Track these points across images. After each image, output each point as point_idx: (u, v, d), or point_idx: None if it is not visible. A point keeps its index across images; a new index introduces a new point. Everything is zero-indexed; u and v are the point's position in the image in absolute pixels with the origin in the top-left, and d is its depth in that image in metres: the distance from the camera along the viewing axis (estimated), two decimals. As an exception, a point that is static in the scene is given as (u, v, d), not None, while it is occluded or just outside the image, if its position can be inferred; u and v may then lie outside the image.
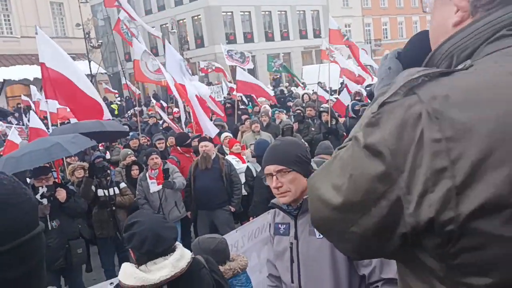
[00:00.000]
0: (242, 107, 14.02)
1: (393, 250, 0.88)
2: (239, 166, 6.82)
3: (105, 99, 25.61)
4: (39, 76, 7.61)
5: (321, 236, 2.12)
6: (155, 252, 2.24)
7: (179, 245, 2.37)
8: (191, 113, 8.69)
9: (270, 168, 2.15)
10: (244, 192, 6.93)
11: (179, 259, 2.27)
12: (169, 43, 11.38)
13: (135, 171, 6.60)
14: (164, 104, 20.44)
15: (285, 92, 22.54)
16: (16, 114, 19.84)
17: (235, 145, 7.27)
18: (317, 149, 5.44)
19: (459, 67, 0.86)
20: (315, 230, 2.12)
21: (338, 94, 14.96)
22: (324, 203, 0.94)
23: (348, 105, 10.53)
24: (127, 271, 2.25)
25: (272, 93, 12.69)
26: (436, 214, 0.78)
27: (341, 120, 10.10)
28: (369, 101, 1.27)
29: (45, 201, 5.06)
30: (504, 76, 0.79)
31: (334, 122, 9.31)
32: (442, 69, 0.85)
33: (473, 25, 0.89)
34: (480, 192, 0.75)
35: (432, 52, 0.96)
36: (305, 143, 8.72)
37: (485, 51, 0.86)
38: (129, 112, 13.02)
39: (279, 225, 2.32)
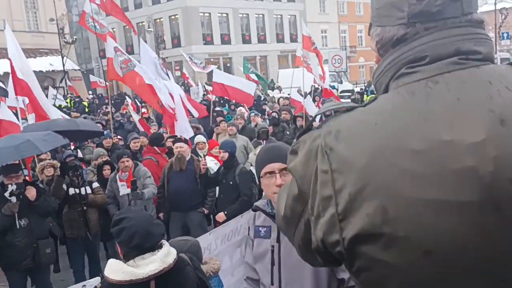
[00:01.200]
0: (218, 108, 14.01)
1: (327, 261, 0.97)
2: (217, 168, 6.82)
3: (77, 96, 25.19)
4: (9, 70, 7.47)
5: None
6: (143, 247, 2.29)
7: (165, 242, 2.42)
8: (165, 114, 8.60)
9: (274, 166, 2.15)
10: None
11: (167, 254, 2.33)
12: (145, 41, 11.29)
13: (106, 171, 6.50)
14: (139, 104, 20.20)
15: (261, 95, 22.63)
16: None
17: (215, 148, 7.28)
18: None
19: (364, 103, 0.96)
20: None
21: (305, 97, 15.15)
22: (277, 212, 1.09)
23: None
24: (114, 267, 2.28)
25: (252, 92, 12.60)
26: (323, 236, 0.88)
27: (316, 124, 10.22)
28: None
29: (14, 199, 4.94)
30: (383, 114, 0.86)
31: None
32: (350, 104, 0.94)
33: (383, 62, 0.95)
34: (358, 220, 0.83)
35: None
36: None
37: (391, 87, 0.92)
38: (102, 109, 12.86)
39: (260, 228, 2.34)
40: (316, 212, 0.89)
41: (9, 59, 7.28)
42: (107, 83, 13.26)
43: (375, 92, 1.01)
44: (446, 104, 0.82)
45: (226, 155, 5.97)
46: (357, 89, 25.05)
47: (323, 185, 0.87)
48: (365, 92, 22.09)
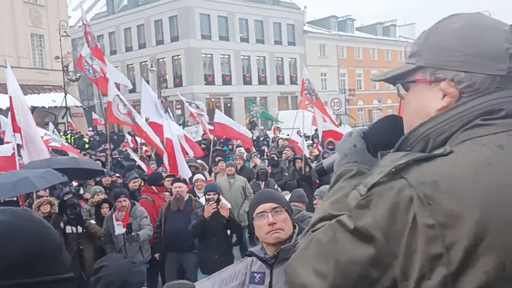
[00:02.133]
0: (217, 147, 14.07)
1: None
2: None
3: (76, 133, 25.30)
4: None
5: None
6: None
7: None
8: (166, 153, 8.65)
9: (265, 206, 2.25)
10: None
11: None
12: (148, 80, 11.55)
13: (105, 209, 6.49)
14: (139, 141, 20.25)
15: (260, 136, 22.77)
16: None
17: (208, 188, 7.24)
18: (291, 197, 5.52)
19: (439, 151, 0.89)
20: None
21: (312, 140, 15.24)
22: (302, 284, 0.92)
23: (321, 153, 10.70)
24: None
25: (250, 135, 12.79)
26: None
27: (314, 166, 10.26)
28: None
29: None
30: (482, 166, 0.83)
31: (307, 169, 9.43)
32: (425, 154, 0.89)
33: (451, 111, 0.93)
34: (473, 278, 0.77)
35: (407, 134, 0.99)
36: (279, 188, 8.79)
37: (460, 138, 0.90)
38: (101, 147, 12.93)
39: (255, 274, 2.37)
40: (417, 275, 0.79)
41: (10, 97, 7.37)
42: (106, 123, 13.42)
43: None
44: None
45: (216, 196, 5.84)
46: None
47: (430, 242, 0.79)
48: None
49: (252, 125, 29.74)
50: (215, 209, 5.53)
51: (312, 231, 0.98)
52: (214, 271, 5.55)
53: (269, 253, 2.26)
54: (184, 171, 8.25)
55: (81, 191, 7.78)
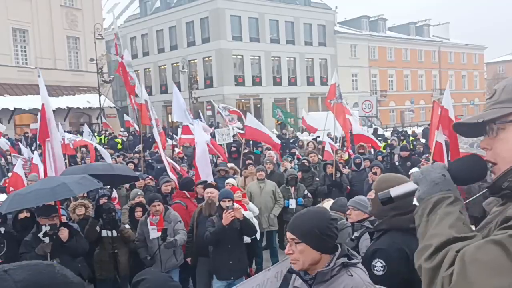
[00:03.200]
0: (246, 151, 14.12)
1: None
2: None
3: (111, 133, 25.83)
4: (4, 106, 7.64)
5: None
6: None
7: None
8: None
9: (288, 235, 2.30)
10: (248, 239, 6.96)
11: None
12: (179, 81, 11.79)
13: (138, 212, 6.60)
14: (170, 142, 20.51)
15: (290, 137, 22.69)
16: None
17: (236, 192, 7.27)
18: (332, 205, 5.49)
19: None
20: None
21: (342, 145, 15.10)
22: None
23: (350, 158, 10.58)
24: None
25: (278, 141, 12.81)
26: None
27: (345, 171, 10.15)
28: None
29: (47, 239, 5.07)
30: None
31: (338, 175, 9.35)
32: None
33: None
34: None
35: None
36: (309, 194, 8.75)
37: None
38: (136, 148, 13.16)
39: None
40: None
41: (43, 104, 7.26)
42: (137, 126, 13.70)
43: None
44: None
45: (231, 203, 5.78)
46: (387, 133, 24.79)
47: None
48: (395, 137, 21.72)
49: (282, 126, 29.73)
50: (234, 217, 5.53)
51: (436, 252, 1.10)
52: (229, 277, 5.61)
53: (310, 273, 2.28)
54: (208, 175, 8.30)
55: (114, 194, 7.93)
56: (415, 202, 1.31)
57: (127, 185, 8.83)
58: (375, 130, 24.03)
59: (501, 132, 1.24)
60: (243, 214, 5.73)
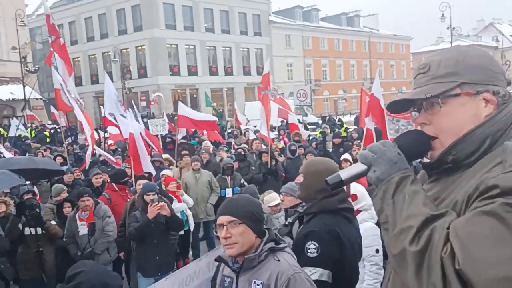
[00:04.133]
0: (183, 141, 13.91)
1: None
2: (175, 206, 6.68)
3: (40, 125, 24.49)
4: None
5: (258, 297, 2.13)
6: None
7: None
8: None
9: (223, 219, 2.20)
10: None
11: None
12: (111, 71, 11.28)
13: (67, 208, 6.25)
14: (101, 134, 19.75)
15: (226, 128, 22.66)
16: None
17: (171, 183, 7.12)
18: (283, 188, 5.36)
19: None
20: None
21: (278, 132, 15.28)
22: (504, 280, 0.96)
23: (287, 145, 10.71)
24: None
25: (216, 120, 12.71)
26: None
27: (281, 159, 10.26)
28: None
29: (-37, 240, 4.69)
30: None
31: (273, 163, 9.43)
32: None
33: (500, 114, 1.22)
34: None
35: (461, 137, 1.22)
36: (245, 183, 8.76)
37: (510, 134, 1.20)
38: (66, 141, 12.46)
39: (225, 278, 2.35)
40: None
41: None
42: (61, 116, 12.91)
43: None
44: None
45: (155, 196, 5.54)
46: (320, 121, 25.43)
47: None
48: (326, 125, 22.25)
49: (218, 116, 29.56)
50: (159, 210, 5.36)
51: (418, 233, 1.08)
52: (156, 273, 5.48)
53: (239, 260, 2.23)
54: (148, 167, 8.08)
55: (35, 190, 7.45)
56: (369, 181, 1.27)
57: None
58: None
59: (444, 106, 1.25)
60: (170, 211, 5.56)
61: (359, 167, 1.30)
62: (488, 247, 0.98)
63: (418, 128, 1.35)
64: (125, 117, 9.26)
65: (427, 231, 1.07)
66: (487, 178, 1.09)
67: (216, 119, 12.90)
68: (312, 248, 2.51)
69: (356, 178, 1.32)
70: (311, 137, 14.32)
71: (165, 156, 10.19)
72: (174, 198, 6.85)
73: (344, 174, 1.33)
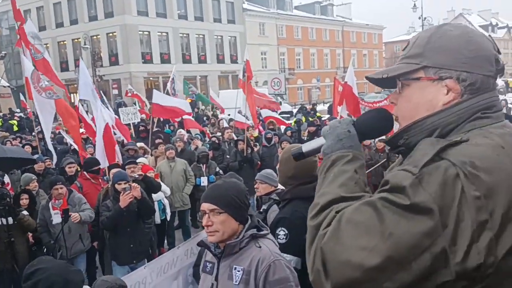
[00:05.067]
0: (157, 129, 13.76)
1: None
2: (152, 195, 6.64)
3: (9, 113, 23.81)
4: None
5: (237, 282, 2.15)
6: None
7: None
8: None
9: (205, 206, 2.20)
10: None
11: None
12: (81, 58, 10.95)
13: (24, 200, 5.98)
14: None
15: (201, 115, 22.51)
16: None
17: (148, 172, 7.06)
18: (258, 176, 5.27)
19: (458, 138, 1.06)
20: (233, 275, 2.18)
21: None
22: (355, 266, 0.97)
23: (261, 134, 10.73)
24: None
25: (188, 110, 12.57)
26: (484, 260, 0.94)
27: (256, 149, 10.29)
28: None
29: None
30: (498, 149, 1.03)
31: (249, 151, 9.45)
32: (453, 140, 1.05)
33: (458, 105, 1.12)
34: (508, 237, 0.96)
35: (411, 124, 1.16)
36: (221, 171, 8.76)
37: (466, 128, 1.10)
38: (36, 129, 12.14)
39: (207, 263, 2.36)
40: (468, 240, 0.94)
41: None
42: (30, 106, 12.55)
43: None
44: None
45: (127, 185, 5.42)
46: (295, 111, 25.57)
47: (479, 210, 0.94)
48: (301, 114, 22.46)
49: (192, 105, 29.31)
50: (132, 199, 5.32)
51: (337, 212, 1.07)
52: (131, 261, 5.46)
53: (220, 245, 2.24)
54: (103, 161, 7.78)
55: (5, 179, 7.24)
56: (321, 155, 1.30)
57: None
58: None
59: (406, 88, 1.20)
60: (141, 193, 5.51)
61: (319, 141, 1.34)
62: (355, 233, 0.99)
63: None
64: (103, 107, 9.09)
65: (327, 211, 1.10)
66: (392, 171, 1.12)
67: (189, 106, 12.71)
68: (281, 234, 2.55)
69: (316, 151, 1.35)
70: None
71: (139, 144, 10.06)
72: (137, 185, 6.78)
73: (305, 147, 1.40)
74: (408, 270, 0.95)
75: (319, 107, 29.26)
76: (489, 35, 1.22)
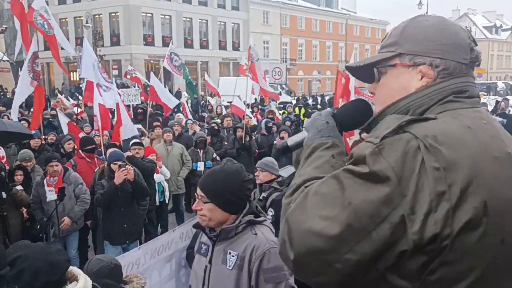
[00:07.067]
0: (156, 111, 13.69)
1: (372, 277, 1.00)
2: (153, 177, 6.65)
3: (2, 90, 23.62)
4: None
5: (231, 267, 2.14)
6: (52, 281, 2.02)
7: (81, 274, 2.20)
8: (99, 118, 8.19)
9: (198, 191, 2.23)
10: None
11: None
12: (82, 37, 10.86)
13: (18, 176, 5.92)
14: (71, 101, 19.25)
15: (200, 101, 22.42)
16: None
17: (150, 155, 7.04)
18: (258, 163, 5.23)
19: (426, 116, 1.09)
20: (227, 259, 2.18)
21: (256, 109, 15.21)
22: (316, 235, 0.99)
23: (260, 122, 10.69)
24: None
25: (173, 105, 12.50)
26: (440, 230, 0.95)
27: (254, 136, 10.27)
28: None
29: None
30: (465, 128, 1.06)
31: (247, 139, 9.42)
32: (419, 116, 1.09)
33: (429, 88, 1.15)
34: (466, 213, 0.97)
35: (385, 107, 1.19)
36: (218, 157, 8.72)
37: (437, 110, 1.12)
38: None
39: (202, 245, 2.36)
40: (426, 209, 0.95)
41: None
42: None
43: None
44: (490, 127, 1.11)
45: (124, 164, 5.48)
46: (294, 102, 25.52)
47: (437, 181, 0.96)
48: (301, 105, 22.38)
49: (192, 89, 29.14)
50: (126, 176, 5.34)
51: (305, 187, 1.09)
52: (124, 241, 5.47)
53: (216, 228, 2.24)
54: (132, 131, 8.05)
55: (1, 153, 7.19)
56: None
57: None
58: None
59: (383, 76, 1.23)
60: (134, 176, 5.51)
61: (303, 134, 1.39)
62: (319, 204, 1.01)
63: None
64: (109, 87, 9.06)
65: (301, 188, 1.12)
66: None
67: (175, 102, 12.58)
68: (270, 214, 2.64)
69: (300, 144, 1.38)
70: (284, 115, 14.35)
71: (137, 126, 10.01)
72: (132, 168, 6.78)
73: (290, 140, 1.44)
74: (369, 240, 0.96)
75: (318, 100, 29.10)
76: (466, 27, 1.27)
